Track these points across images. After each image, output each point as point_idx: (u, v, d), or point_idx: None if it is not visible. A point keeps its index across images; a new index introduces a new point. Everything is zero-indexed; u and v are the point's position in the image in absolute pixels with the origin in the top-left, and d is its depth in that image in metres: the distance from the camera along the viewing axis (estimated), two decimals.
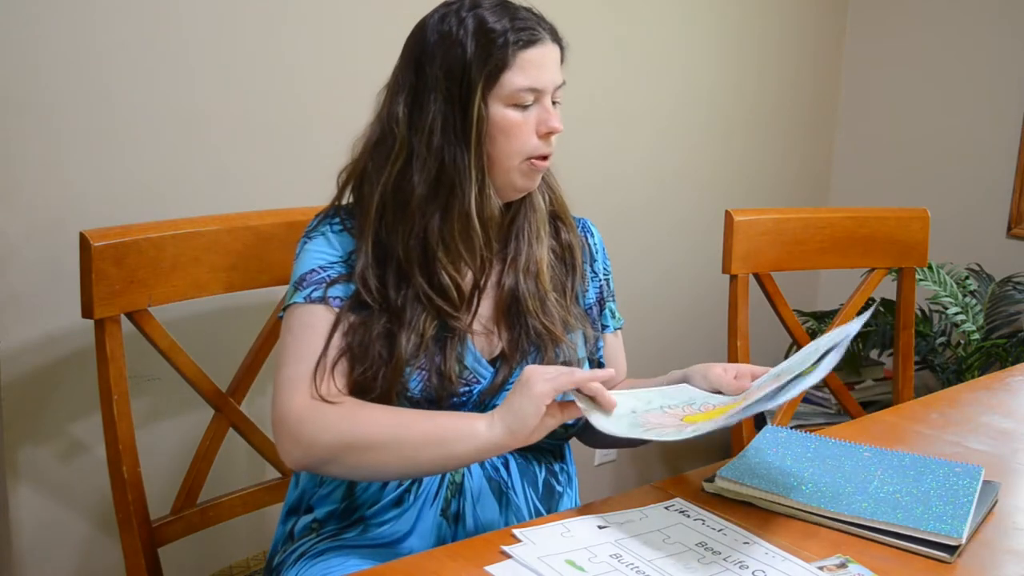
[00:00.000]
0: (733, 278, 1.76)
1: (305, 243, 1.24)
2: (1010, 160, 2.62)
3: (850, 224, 1.86)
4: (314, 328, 1.17)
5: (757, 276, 1.79)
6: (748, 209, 1.79)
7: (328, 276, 1.20)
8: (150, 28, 1.63)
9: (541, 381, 1.06)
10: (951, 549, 1.01)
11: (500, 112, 1.16)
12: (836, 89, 2.97)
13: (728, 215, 1.75)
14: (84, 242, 1.28)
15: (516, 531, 1.02)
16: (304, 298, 1.19)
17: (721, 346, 1.84)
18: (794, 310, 1.88)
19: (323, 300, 1.18)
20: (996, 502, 1.15)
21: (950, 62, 2.73)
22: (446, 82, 1.16)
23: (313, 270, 1.21)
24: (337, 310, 1.18)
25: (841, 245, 1.85)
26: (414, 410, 1.15)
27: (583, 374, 1.08)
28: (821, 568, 0.97)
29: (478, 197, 1.17)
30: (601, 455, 2.57)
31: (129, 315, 1.34)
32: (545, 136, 1.19)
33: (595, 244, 1.37)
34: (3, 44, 1.49)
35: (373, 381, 1.16)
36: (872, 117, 2.92)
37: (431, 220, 1.17)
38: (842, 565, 0.98)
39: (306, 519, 1.25)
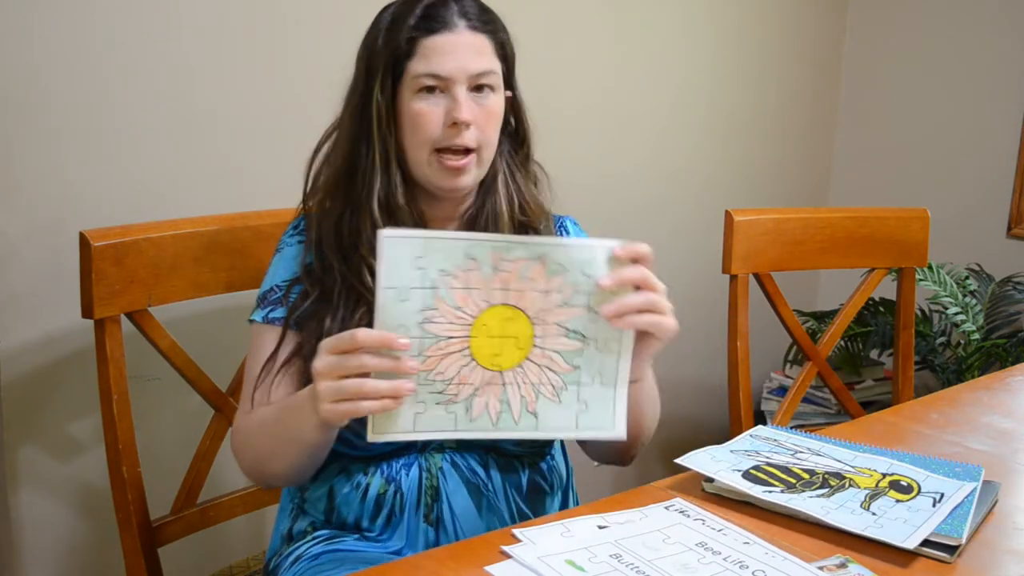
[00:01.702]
0: (733, 278, 1.76)
1: (276, 254, 1.26)
2: (1010, 160, 2.62)
3: (850, 224, 1.86)
4: (267, 349, 1.19)
5: (757, 276, 1.79)
6: (748, 209, 1.79)
7: (283, 295, 1.21)
8: (150, 28, 1.63)
9: (322, 383, 0.99)
10: (951, 549, 1.01)
11: (408, 102, 1.15)
12: (836, 89, 2.97)
13: (728, 215, 1.75)
14: (84, 242, 1.28)
15: (516, 531, 1.02)
16: (262, 318, 1.22)
17: (721, 346, 1.84)
18: (794, 310, 1.88)
19: (279, 320, 1.20)
20: (996, 502, 1.14)
21: (950, 62, 2.73)
22: (364, 72, 1.17)
23: (272, 288, 1.23)
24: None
25: (841, 245, 1.85)
26: (277, 405, 1.15)
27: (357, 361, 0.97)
28: (821, 568, 0.97)
29: (381, 191, 1.16)
30: None
31: (129, 315, 1.34)
32: (452, 127, 1.14)
33: None
34: (3, 44, 1.49)
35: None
36: (872, 117, 2.92)
37: (345, 210, 1.17)
38: (842, 565, 0.98)
39: (301, 524, 1.25)
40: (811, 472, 1.16)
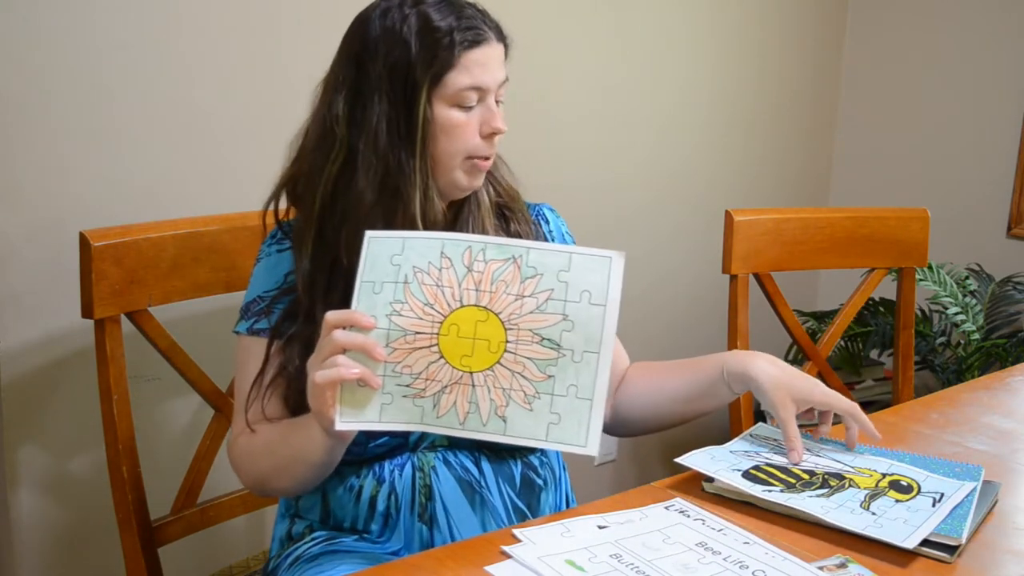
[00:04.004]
0: (733, 278, 1.76)
1: (256, 264, 1.25)
2: (1010, 160, 2.62)
3: (850, 224, 1.86)
4: (256, 360, 1.20)
5: (757, 276, 1.79)
6: (748, 209, 1.79)
7: (267, 306, 1.21)
8: (150, 28, 1.63)
9: (312, 367, 1.02)
10: (951, 549, 1.01)
11: (444, 112, 1.15)
12: (836, 89, 2.97)
13: (728, 215, 1.75)
14: (84, 242, 1.28)
15: (516, 531, 1.02)
16: (247, 329, 1.22)
17: (721, 346, 1.83)
18: (794, 310, 1.88)
19: (264, 331, 1.20)
20: (996, 502, 1.14)
21: (950, 62, 2.73)
22: (390, 82, 1.14)
23: (255, 299, 1.23)
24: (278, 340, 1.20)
25: (841, 245, 1.85)
26: (283, 425, 1.16)
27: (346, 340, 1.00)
28: (821, 568, 0.97)
29: (423, 200, 1.16)
30: (601, 455, 2.57)
31: (129, 315, 1.34)
32: (488, 136, 1.17)
33: (551, 230, 1.34)
34: (3, 44, 1.49)
35: (301, 395, 1.11)
36: (872, 117, 2.92)
37: (375, 224, 1.14)
38: (842, 565, 0.98)
39: (300, 525, 1.25)
40: (811, 472, 1.16)
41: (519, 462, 1.24)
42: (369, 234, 1.05)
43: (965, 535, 1.02)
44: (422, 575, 0.97)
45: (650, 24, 2.44)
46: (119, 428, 1.31)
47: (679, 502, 1.11)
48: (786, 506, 1.08)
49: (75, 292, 1.30)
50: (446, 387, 1.02)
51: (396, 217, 1.15)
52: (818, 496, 1.10)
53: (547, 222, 1.34)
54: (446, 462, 1.20)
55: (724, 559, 0.99)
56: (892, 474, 1.16)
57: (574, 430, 1.02)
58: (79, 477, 1.65)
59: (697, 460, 1.17)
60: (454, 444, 1.20)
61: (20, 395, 1.58)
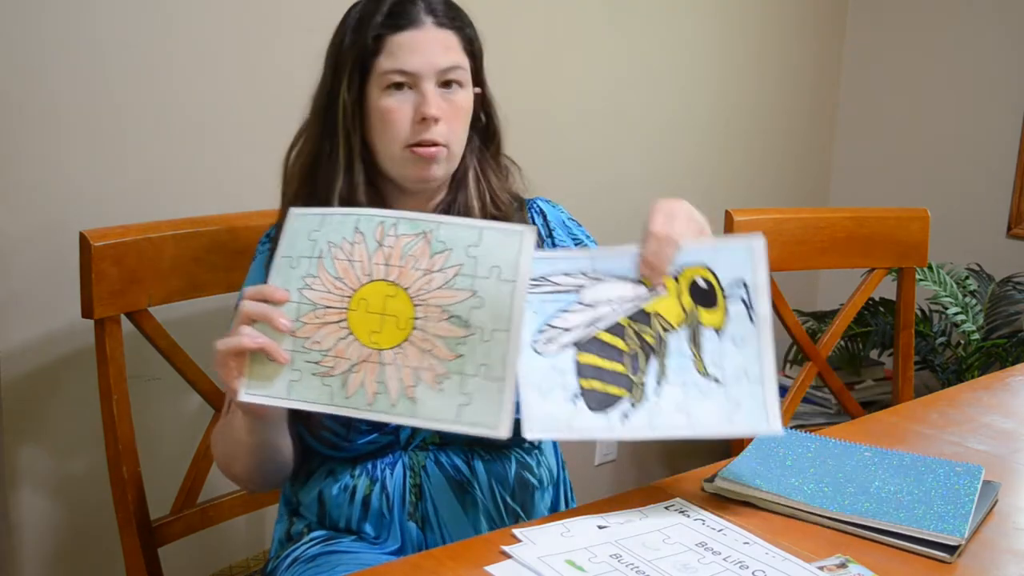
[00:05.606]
0: None
1: (252, 262, 1.27)
2: (1010, 160, 2.62)
3: (850, 224, 1.86)
4: None
5: None
6: (748, 209, 1.79)
7: None
8: (150, 28, 1.63)
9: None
10: (951, 549, 1.01)
11: (376, 99, 1.16)
12: (836, 89, 2.97)
13: (728, 215, 1.75)
14: (84, 242, 1.28)
15: (516, 531, 1.02)
16: None
17: None
18: (794, 310, 1.88)
19: None
20: (996, 502, 1.14)
21: (950, 62, 2.73)
22: (330, 72, 1.18)
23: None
24: None
25: (841, 245, 1.85)
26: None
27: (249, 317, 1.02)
28: (821, 568, 0.97)
29: (344, 189, 1.17)
30: (601, 455, 2.57)
31: (129, 315, 1.34)
32: (421, 122, 1.16)
33: (550, 221, 1.32)
34: (3, 44, 1.49)
35: None
36: (872, 117, 2.92)
37: None
38: (842, 565, 0.98)
39: (299, 524, 1.25)
40: (622, 334, 1.06)
41: (513, 461, 1.23)
42: (292, 211, 1.07)
43: (965, 535, 1.02)
44: (422, 575, 0.97)
45: (651, 25, 2.44)
46: (119, 428, 1.32)
47: (679, 502, 1.11)
48: (786, 506, 1.08)
49: (75, 292, 1.30)
50: (355, 365, 1.01)
51: (322, 205, 1.16)
52: (658, 383, 1.03)
53: (541, 214, 1.32)
54: (437, 462, 1.19)
55: (724, 559, 0.99)
56: (683, 273, 1.07)
57: (485, 411, 0.99)
58: (79, 477, 1.65)
59: (541, 421, 1.04)
60: (446, 442, 1.20)
61: (20, 395, 1.58)
